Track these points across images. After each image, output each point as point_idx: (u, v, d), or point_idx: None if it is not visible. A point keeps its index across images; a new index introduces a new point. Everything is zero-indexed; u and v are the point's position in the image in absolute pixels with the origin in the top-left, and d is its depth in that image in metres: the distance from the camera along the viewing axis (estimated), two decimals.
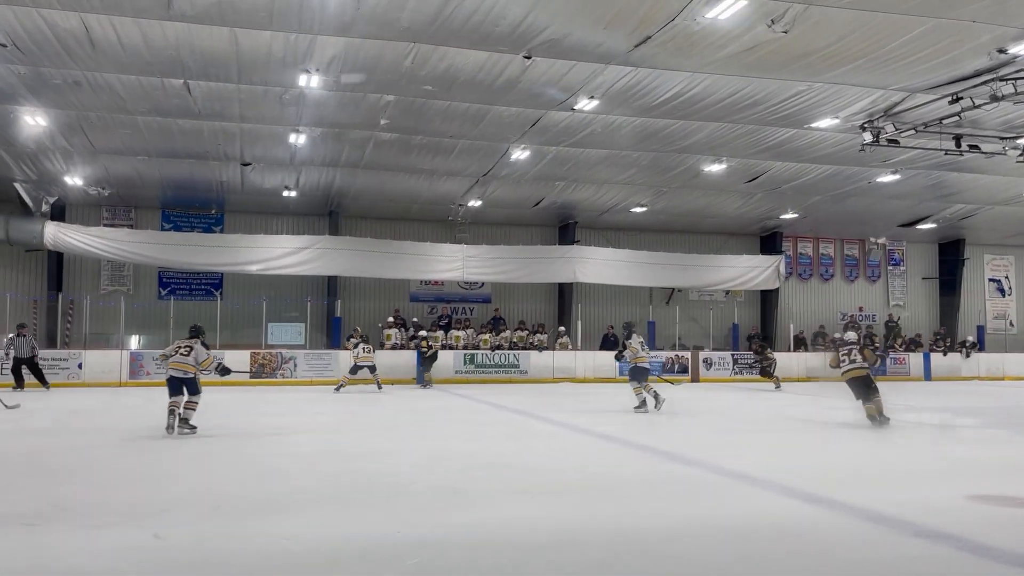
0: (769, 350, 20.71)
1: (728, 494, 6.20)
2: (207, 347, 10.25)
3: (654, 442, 9.08)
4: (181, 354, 9.85)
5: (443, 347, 21.75)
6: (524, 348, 22.25)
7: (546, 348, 22.29)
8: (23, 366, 17.04)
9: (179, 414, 9.53)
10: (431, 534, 4.77)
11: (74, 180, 19.35)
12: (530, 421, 11.68)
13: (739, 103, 14.91)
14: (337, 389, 17.23)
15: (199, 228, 22.80)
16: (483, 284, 24.63)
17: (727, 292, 26.23)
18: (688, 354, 23.12)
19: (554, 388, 18.92)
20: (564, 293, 25.01)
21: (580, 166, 19.13)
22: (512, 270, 23.02)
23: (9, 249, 20.83)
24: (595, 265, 23.45)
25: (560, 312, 25.08)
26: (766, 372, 20.15)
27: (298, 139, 16.72)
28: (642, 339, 13.21)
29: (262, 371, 19.47)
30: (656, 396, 12.69)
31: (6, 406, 12.19)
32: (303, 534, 4.75)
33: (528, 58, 12.71)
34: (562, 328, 23.23)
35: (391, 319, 21.99)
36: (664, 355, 22.90)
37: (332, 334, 22.25)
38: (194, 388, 9.76)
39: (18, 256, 21.19)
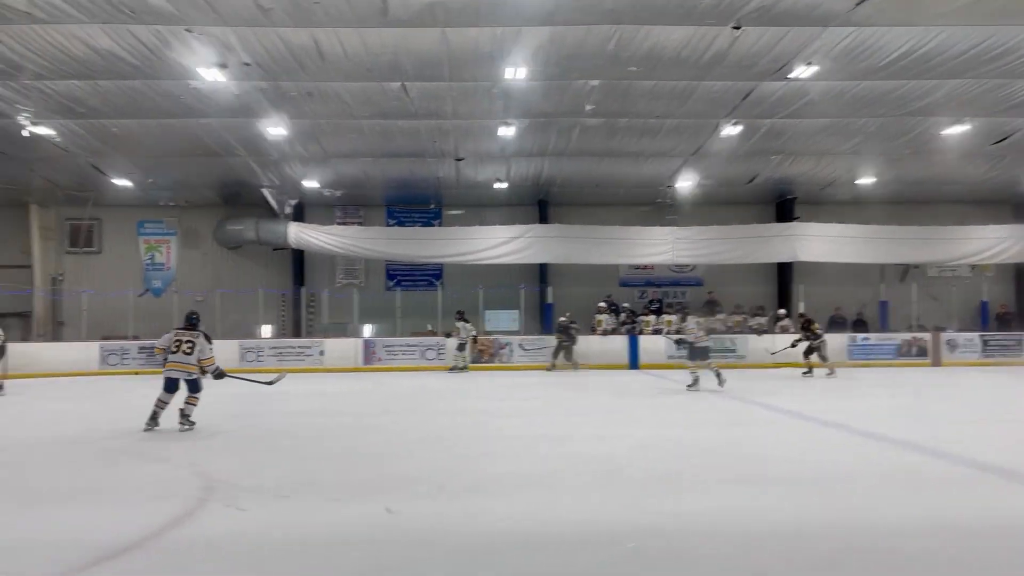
0: (817, 326, 17.72)
1: (978, 490, 5.56)
2: (210, 340, 9.13)
3: (890, 431, 8.35)
4: (184, 352, 8.88)
5: (654, 332, 21.47)
6: (741, 332, 21.42)
7: (765, 331, 21.30)
8: None
9: (180, 409, 8.88)
10: (647, 520, 4.69)
11: (310, 183, 21.22)
12: (749, 407, 11.20)
13: (982, 56, 13.30)
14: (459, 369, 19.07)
15: (420, 222, 24.16)
16: (694, 267, 24.02)
17: (973, 267, 23.64)
18: (928, 336, 21.09)
19: (774, 373, 18.01)
20: (784, 273, 23.77)
21: (798, 138, 18.03)
22: (725, 251, 22.21)
23: (259, 248, 23.30)
24: (818, 242, 22.05)
25: (780, 294, 23.88)
26: (813, 351, 17.29)
27: (507, 131, 17.16)
28: (699, 320, 14.79)
29: (480, 357, 20.27)
30: (718, 375, 13.74)
31: (267, 382, 10.71)
32: (521, 514, 4.85)
33: (737, 28, 12.14)
34: (782, 311, 22.07)
35: (602, 304, 22.03)
36: (900, 337, 21.07)
37: (544, 320, 22.71)
38: (195, 387, 9.01)
39: (267, 255, 23.62)
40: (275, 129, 16.72)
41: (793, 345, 17.67)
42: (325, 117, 16.34)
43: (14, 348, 18.18)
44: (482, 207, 23.92)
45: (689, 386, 13.71)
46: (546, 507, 5.08)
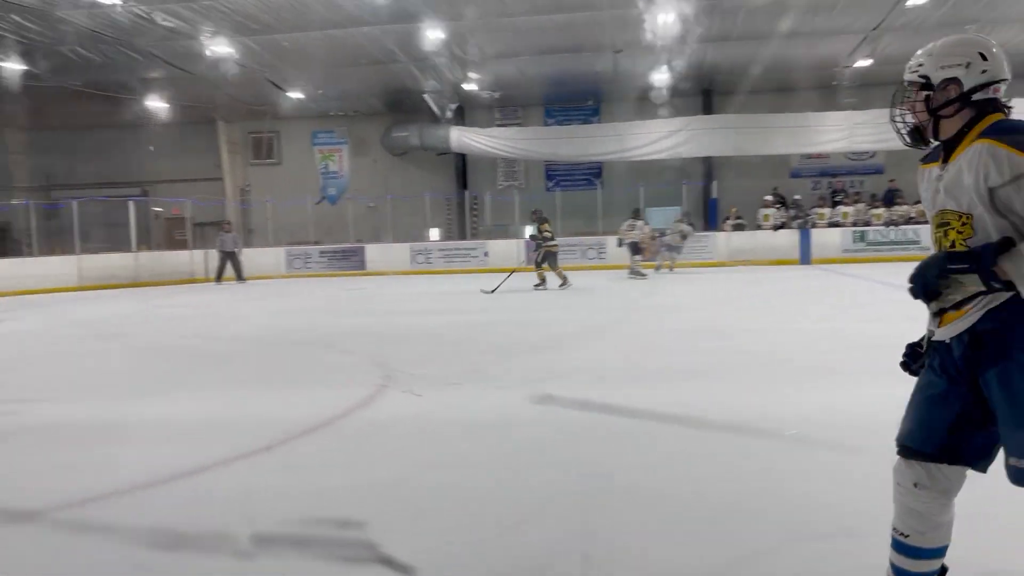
0: (547, 225, 14.60)
1: None
2: None
3: None
4: None
5: (830, 225, 20.35)
6: (926, 222, 19.89)
7: None
8: (227, 260, 19.69)
9: None
10: (805, 409, 4.63)
11: (470, 86, 21.42)
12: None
13: None
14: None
15: (578, 120, 23.87)
16: (874, 154, 22.34)
17: None
18: None
19: None
20: None
21: (999, 1, 16.02)
22: None
23: (424, 154, 24.01)
24: None
25: None
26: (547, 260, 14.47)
27: (667, 18, 16.40)
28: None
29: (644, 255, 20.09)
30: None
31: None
32: (677, 401, 4.92)
33: None
34: None
35: (769, 197, 21.10)
36: None
37: (709, 216, 22.11)
38: None
39: (432, 160, 24.31)
40: (433, 32, 16.90)
41: None
42: (481, 16, 16.30)
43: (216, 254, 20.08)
44: (642, 101, 23.21)
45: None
46: (701, 395, 5.12)
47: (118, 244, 20.51)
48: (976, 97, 2.01)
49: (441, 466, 3.89)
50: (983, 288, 1.86)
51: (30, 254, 20.56)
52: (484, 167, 24.57)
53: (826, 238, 19.83)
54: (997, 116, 1.99)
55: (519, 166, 24.41)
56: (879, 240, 19.56)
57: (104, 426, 4.96)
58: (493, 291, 13.47)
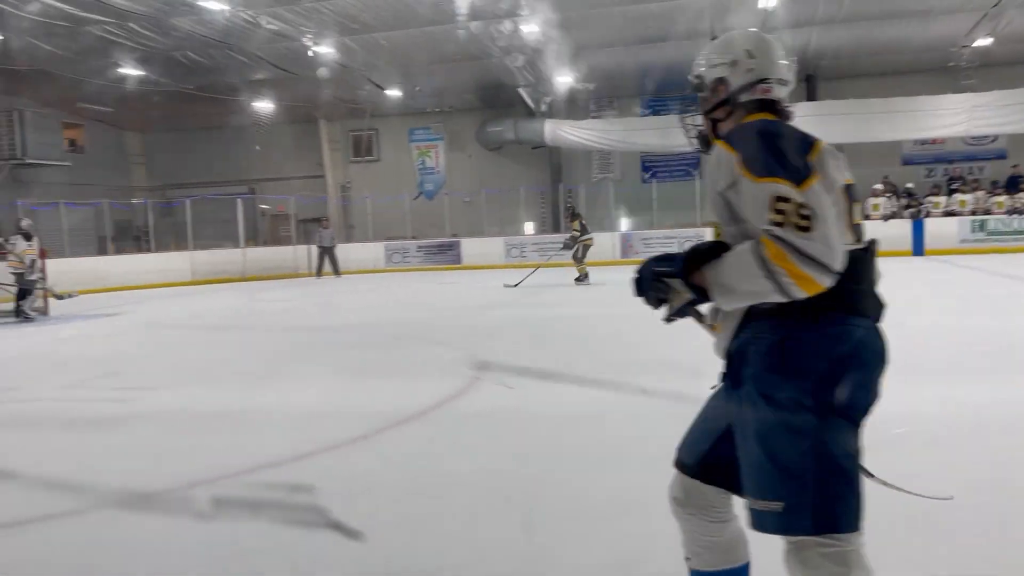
0: (581, 220, 14.86)
1: None
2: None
3: None
4: None
5: (945, 214, 19.25)
6: None
7: None
8: (326, 255, 20.01)
9: None
10: (918, 408, 4.36)
11: (564, 79, 21.28)
12: None
13: None
14: None
15: (674, 110, 23.35)
16: (996, 138, 20.97)
17: None
18: None
19: None
20: None
21: None
22: None
23: (519, 148, 24.04)
24: None
25: None
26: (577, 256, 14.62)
27: (768, 2, 15.85)
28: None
29: None
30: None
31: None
32: None
33: None
34: None
35: (879, 186, 20.12)
36: None
37: None
38: None
39: (526, 154, 24.31)
40: (528, 26, 16.88)
41: None
42: (576, 8, 16.16)
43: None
44: None
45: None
46: None
47: (227, 240, 21.44)
48: (743, 98, 1.84)
49: (533, 458, 3.86)
50: (692, 295, 1.67)
51: (148, 250, 21.75)
52: (578, 160, 24.40)
53: (941, 228, 18.78)
54: (757, 117, 1.79)
55: (614, 158, 24.13)
56: (1000, 229, 18.35)
57: (213, 414, 5.17)
58: (517, 285, 13.84)
